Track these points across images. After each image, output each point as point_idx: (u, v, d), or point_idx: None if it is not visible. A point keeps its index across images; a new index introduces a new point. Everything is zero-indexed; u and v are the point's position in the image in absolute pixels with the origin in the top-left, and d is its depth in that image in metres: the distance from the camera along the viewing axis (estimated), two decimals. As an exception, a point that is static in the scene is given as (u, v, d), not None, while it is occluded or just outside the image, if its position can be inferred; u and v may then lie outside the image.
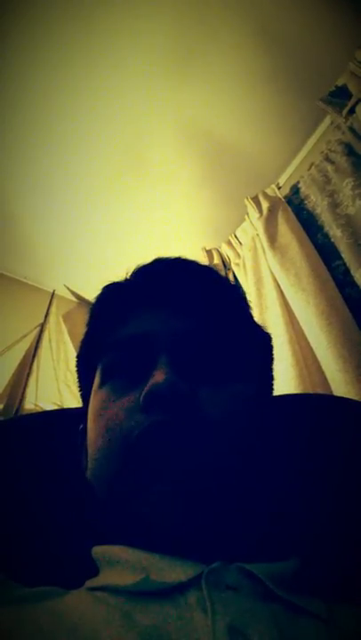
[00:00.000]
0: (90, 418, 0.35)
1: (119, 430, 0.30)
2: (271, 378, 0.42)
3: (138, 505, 0.27)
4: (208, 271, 0.41)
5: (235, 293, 0.43)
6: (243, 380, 0.33)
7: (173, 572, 0.26)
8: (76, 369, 0.43)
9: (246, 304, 0.43)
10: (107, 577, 0.29)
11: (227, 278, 0.47)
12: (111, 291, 0.41)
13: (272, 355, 0.43)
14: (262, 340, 0.43)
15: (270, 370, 0.42)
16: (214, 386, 0.32)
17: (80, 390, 0.43)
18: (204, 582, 0.25)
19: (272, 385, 0.42)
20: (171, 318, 0.35)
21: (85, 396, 0.40)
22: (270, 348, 0.43)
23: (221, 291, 0.41)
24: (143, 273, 0.40)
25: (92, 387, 0.38)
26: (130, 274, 0.41)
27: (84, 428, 0.37)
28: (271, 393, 0.42)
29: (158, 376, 0.30)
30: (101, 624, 0.23)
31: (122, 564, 0.28)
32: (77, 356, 0.43)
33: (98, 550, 0.32)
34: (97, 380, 0.37)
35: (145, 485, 0.28)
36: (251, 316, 0.43)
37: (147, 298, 0.38)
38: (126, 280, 0.41)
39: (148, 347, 0.34)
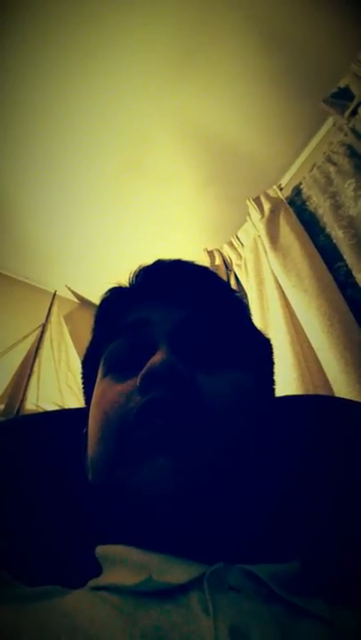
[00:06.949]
0: (92, 408, 0.36)
1: (119, 412, 0.31)
2: (272, 381, 0.43)
3: (138, 480, 0.27)
4: (205, 269, 0.43)
5: (232, 292, 0.45)
6: (241, 370, 0.34)
7: (176, 572, 0.26)
8: (81, 372, 0.44)
9: (244, 303, 0.45)
10: (110, 577, 0.29)
11: (224, 280, 0.50)
12: (114, 292, 0.43)
13: (272, 358, 0.43)
14: (261, 341, 0.43)
15: (271, 372, 0.43)
16: (213, 371, 0.32)
17: (84, 393, 0.43)
18: (207, 583, 0.25)
19: (273, 388, 0.42)
20: (170, 309, 0.37)
21: (88, 397, 0.40)
22: (270, 350, 0.44)
23: (218, 286, 0.43)
24: (144, 272, 0.42)
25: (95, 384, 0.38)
26: (132, 274, 0.42)
27: (87, 432, 0.37)
28: (272, 394, 0.42)
29: (156, 357, 0.30)
30: (103, 624, 0.23)
31: (125, 563, 0.28)
32: (83, 362, 0.44)
33: (100, 550, 0.32)
34: (100, 372, 0.37)
35: (146, 458, 0.28)
36: (249, 316, 0.44)
37: (147, 293, 0.39)
38: (129, 282, 0.42)
39: (147, 333, 0.35)
